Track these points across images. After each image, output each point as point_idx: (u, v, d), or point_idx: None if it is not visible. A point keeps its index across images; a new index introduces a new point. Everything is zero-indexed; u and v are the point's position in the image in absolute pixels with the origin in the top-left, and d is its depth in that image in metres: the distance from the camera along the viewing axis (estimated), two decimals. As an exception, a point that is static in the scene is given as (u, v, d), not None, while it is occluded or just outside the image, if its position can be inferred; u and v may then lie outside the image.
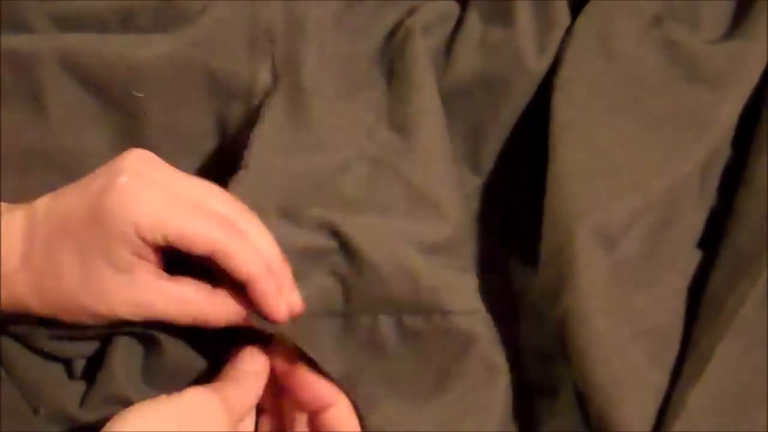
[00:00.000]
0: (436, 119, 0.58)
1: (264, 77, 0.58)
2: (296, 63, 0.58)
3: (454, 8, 0.63)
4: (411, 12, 0.62)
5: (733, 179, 0.56)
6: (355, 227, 0.53)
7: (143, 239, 0.46)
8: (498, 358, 0.54)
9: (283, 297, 0.49)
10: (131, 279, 0.47)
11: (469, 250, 0.58)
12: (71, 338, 0.50)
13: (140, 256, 0.47)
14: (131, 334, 0.50)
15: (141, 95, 0.56)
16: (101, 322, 0.48)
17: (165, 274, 0.48)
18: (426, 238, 0.54)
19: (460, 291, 0.54)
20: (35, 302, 0.48)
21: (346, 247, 0.53)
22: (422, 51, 0.60)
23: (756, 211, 0.54)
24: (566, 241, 0.52)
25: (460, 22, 0.62)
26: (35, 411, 0.50)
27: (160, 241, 0.47)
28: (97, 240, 0.46)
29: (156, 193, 0.47)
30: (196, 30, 0.57)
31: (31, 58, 0.55)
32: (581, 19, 0.58)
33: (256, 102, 0.58)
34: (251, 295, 0.48)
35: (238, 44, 0.58)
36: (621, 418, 0.49)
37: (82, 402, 0.50)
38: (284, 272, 0.50)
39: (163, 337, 0.50)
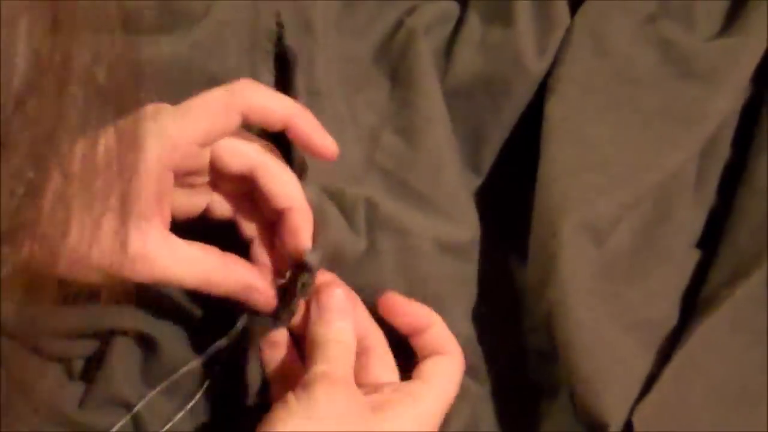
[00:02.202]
0: (443, 126, 0.58)
1: (266, 79, 0.58)
2: (308, 65, 0.58)
3: (454, 8, 0.62)
4: (410, 11, 0.62)
5: (733, 179, 0.56)
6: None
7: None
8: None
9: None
10: (142, 234, 0.45)
11: (477, 252, 0.58)
12: (71, 338, 0.51)
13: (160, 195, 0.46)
14: (130, 335, 0.50)
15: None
16: (103, 279, 0.46)
17: (175, 236, 0.47)
18: (443, 237, 0.55)
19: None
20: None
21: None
22: (426, 53, 0.59)
23: (756, 210, 0.54)
24: (550, 235, 0.52)
25: (460, 23, 0.62)
26: (35, 411, 0.51)
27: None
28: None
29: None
30: (198, 32, 0.57)
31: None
32: (577, 19, 0.58)
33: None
34: (284, 227, 0.49)
35: (240, 46, 0.58)
36: (601, 408, 0.49)
37: (82, 402, 0.51)
38: (310, 217, 0.50)
39: (161, 338, 0.50)
